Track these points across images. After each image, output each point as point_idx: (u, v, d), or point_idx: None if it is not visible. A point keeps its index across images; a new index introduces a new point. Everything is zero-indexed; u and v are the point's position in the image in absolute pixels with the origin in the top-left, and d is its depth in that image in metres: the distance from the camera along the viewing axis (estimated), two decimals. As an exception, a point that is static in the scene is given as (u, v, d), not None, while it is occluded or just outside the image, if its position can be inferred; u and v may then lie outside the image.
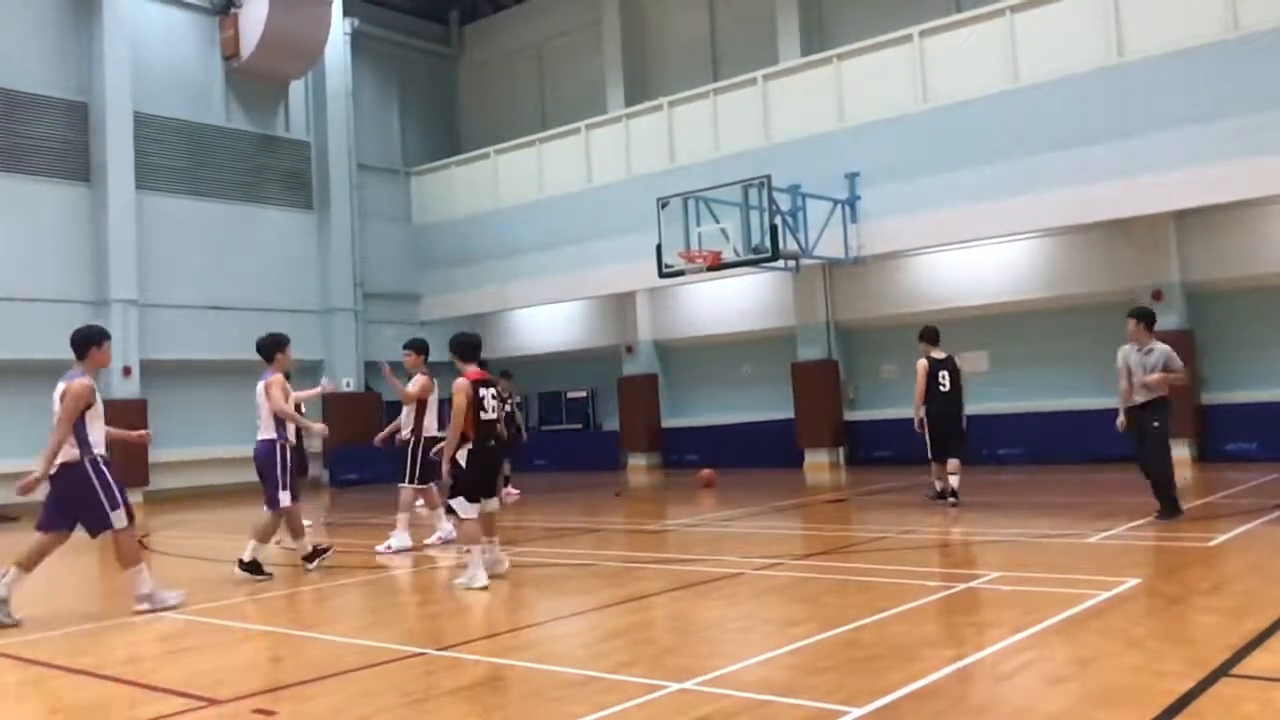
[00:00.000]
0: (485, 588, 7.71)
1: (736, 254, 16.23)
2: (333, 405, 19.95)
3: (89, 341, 7.60)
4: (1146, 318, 9.77)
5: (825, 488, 15.91)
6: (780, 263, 16.25)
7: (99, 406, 7.44)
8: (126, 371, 19.39)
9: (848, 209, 17.19)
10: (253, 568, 8.94)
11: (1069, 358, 17.02)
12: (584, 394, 23.82)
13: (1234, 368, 16.09)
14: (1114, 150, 14.79)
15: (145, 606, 7.53)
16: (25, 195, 19.07)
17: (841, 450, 19.59)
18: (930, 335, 12.25)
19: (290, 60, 22.02)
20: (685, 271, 16.71)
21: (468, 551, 7.95)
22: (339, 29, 23.25)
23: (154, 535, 13.59)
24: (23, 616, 7.34)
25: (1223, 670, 4.69)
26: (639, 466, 21.87)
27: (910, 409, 12.19)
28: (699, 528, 11.61)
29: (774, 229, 15.67)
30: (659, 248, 16.77)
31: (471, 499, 7.92)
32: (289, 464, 9.15)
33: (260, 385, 9.22)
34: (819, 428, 19.50)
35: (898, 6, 18.74)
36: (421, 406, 10.59)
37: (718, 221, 16.48)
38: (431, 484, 10.61)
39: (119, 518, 7.40)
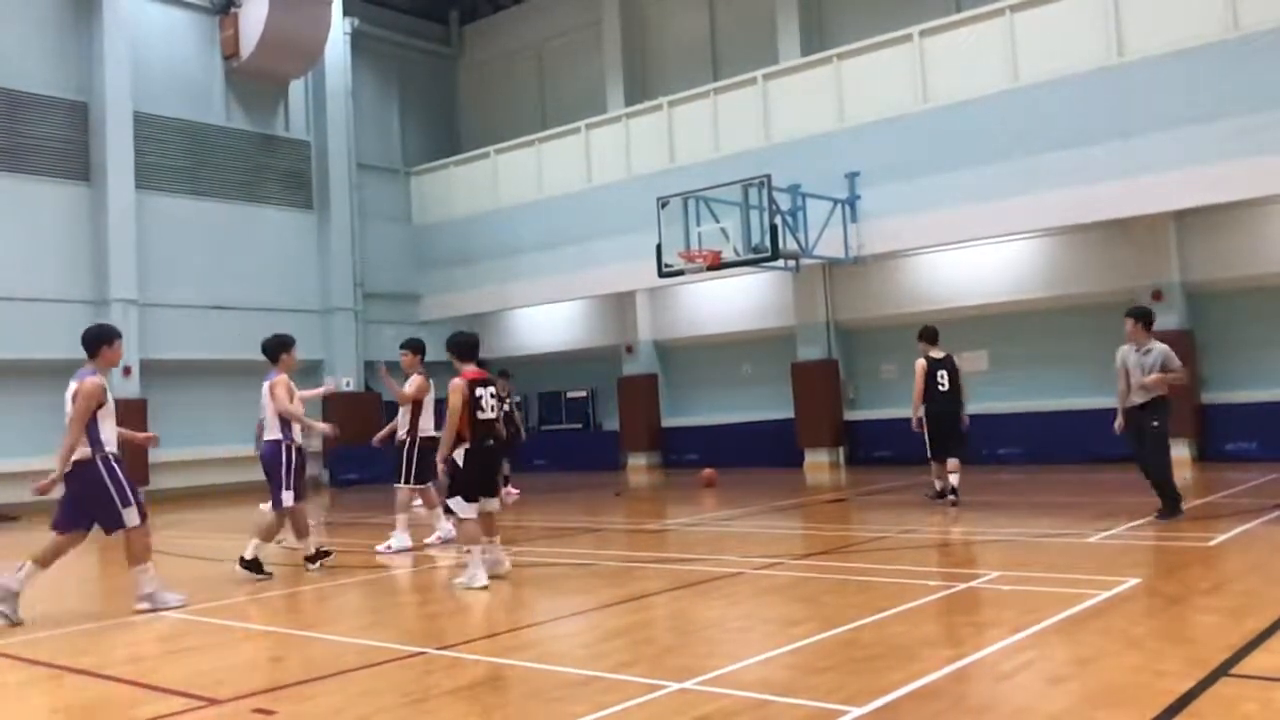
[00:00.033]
0: (485, 587, 7.71)
1: (736, 254, 16.23)
2: (332, 405, 19.94)
3: (100, 340, 7.63)
4: (1144, 317, 9.76)
5: (825, 487, 15.91)
6: (780, 262, 16.26)
7: (110, 405, 7.47)
8: (126, 371, 19.38)
9: (848, 209, 17.19)
10: (253, 566, 8.94)
11: (1069, 358, 17.02)
12: (584, 394, 23.82)
13: (1234, 368, 16.09)
14: (1114, 150, 14.79)
15: (146, 606, 7.54)
16: (25, 195, 19.07)
17: (841, 450, 19.60)
18: (929, 335, 12.25)
19: (290, 60, 22.02)
20: (685, 271, 16.72)
21: (467, 551, 7.94)
22: (339, 29, 23.26)
23: (154, 535, 13.56)
24: (25, 617, 7.35)
25: (1223, 670, 4.69)
26: (639, 466, 21.87)
27: (910, 409, 12.20)
28: (699, 527, 11.61)
29: (774, 229, 15.67)
30: (659, 247, 16.78)
31: (469, 499, 7.91)
32: (293, 465, 9.15)
33: (265, 386, 9.23)
34: (819, 427, 19.50)
35: (898, 6, 18.74)
36: (417, 407, 10.57)
37: (718, 221, 16.48)
38: (429, 484, 10.60)
39: (131, 515, 7.44)
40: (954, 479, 11.79)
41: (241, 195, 22.08)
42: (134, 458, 18.57)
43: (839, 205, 17.06)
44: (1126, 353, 9.73)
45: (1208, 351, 16.30)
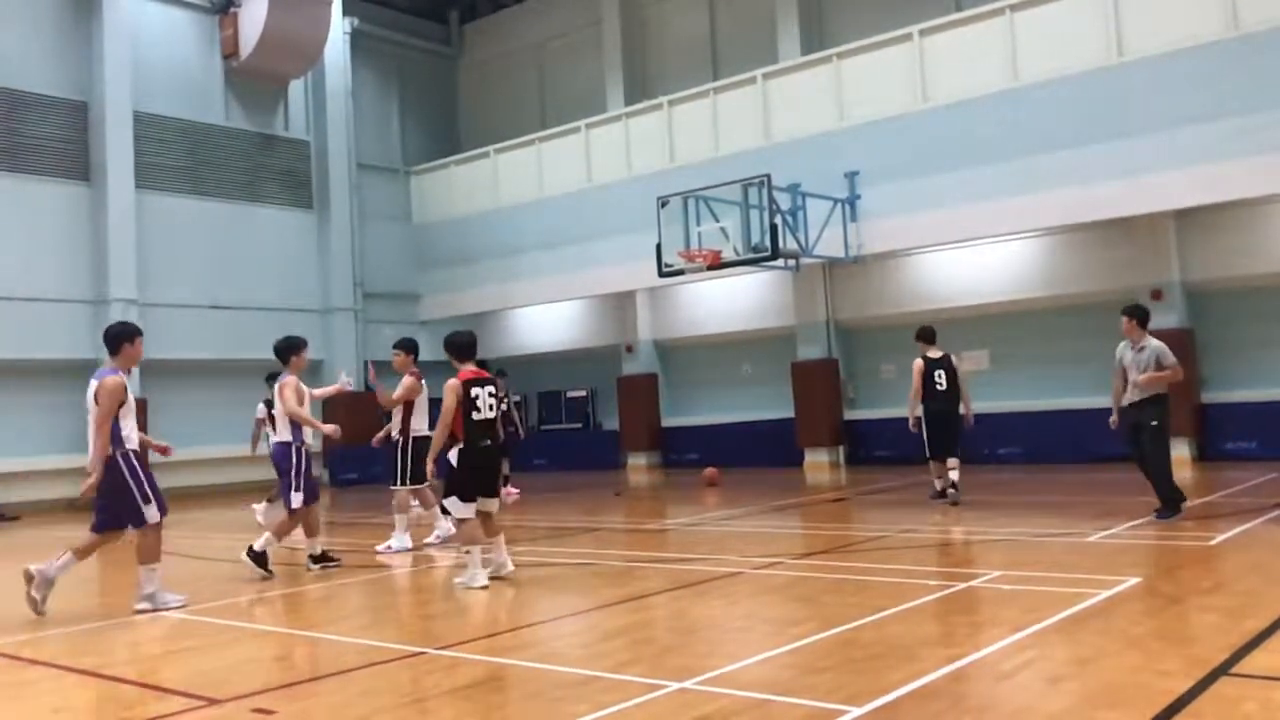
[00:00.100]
0: (485, 587, 7.71)
1: (736, 253, 16.23)
2: (333, 405, 19.93)
3: (121, 338, 7.70)
4: (1139, 315, 9.79)
5: (825, 487, 15.91)
6: (780, 262, 16.25)
7: (131, 402, 7.57)
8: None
9: (847, 208, 17.19)
10: (259, 560, 8.96)
11: (1068, 358, 17.02)
12: (584, 393, 23.83)
13: (1234, 367, 16.09)
14: (1114, 150, 14.78)
15: (146, 606, 7.54)
16: (25, 195, 19.08)
17: (841, 449, 19.60)
18: (927, 335, 12.27)
19: (290, 60, 22.02)
20: (685, 271, 16.71)
21: (467, 552, 7.94)
22: (339, 28, 23.26)
23: (154, 535, 13.57)
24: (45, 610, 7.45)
25: (1223, 670, 4.69)
26: (639, 466, 21.88)
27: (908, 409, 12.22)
28: (699, 527, 11.61)
29: (774, 228, 15.67)
30: (659, 247, 16.77)
31: (464, 498, 7.88)
32: (302, 466, 9.15)
33: (275, 387, 9.26)
34: (819, 427, 19.50)
35: (898, 6, 18.74)
36: (409, 407, 10.54)
37: (717, 221, 16.47)
38: (424, 484, 10.56)
39: (151, 512, 7.51)
40: (954, 475, 11.83)
41: (241, 195, 22.09)
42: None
43: (839, 205, 17.06)
44: (1124, 350, 9.77)
45: (1208, 351, 16.31)
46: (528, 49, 25.32)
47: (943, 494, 12.03)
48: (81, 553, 7.63)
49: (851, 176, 17.27)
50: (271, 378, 13.88)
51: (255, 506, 13.94)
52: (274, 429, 13.50)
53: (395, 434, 10.64)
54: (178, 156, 21.23)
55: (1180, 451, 14.99)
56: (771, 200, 15.74)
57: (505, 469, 14.17)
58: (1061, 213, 15.57)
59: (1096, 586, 6.60)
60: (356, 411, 21.43)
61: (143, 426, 18.93)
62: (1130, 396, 9.67)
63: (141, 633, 7.06)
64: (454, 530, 9.32)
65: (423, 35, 26.15)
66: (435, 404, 8.53)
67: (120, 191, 19.91)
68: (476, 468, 7.90)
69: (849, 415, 19.74)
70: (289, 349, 9.45)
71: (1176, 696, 4.32)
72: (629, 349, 22.57)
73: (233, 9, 21.76)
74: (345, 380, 10.56)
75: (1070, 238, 17.20)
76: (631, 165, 20.48)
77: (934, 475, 12.30)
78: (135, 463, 7.46)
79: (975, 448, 15.51)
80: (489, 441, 7.93)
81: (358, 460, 20.77)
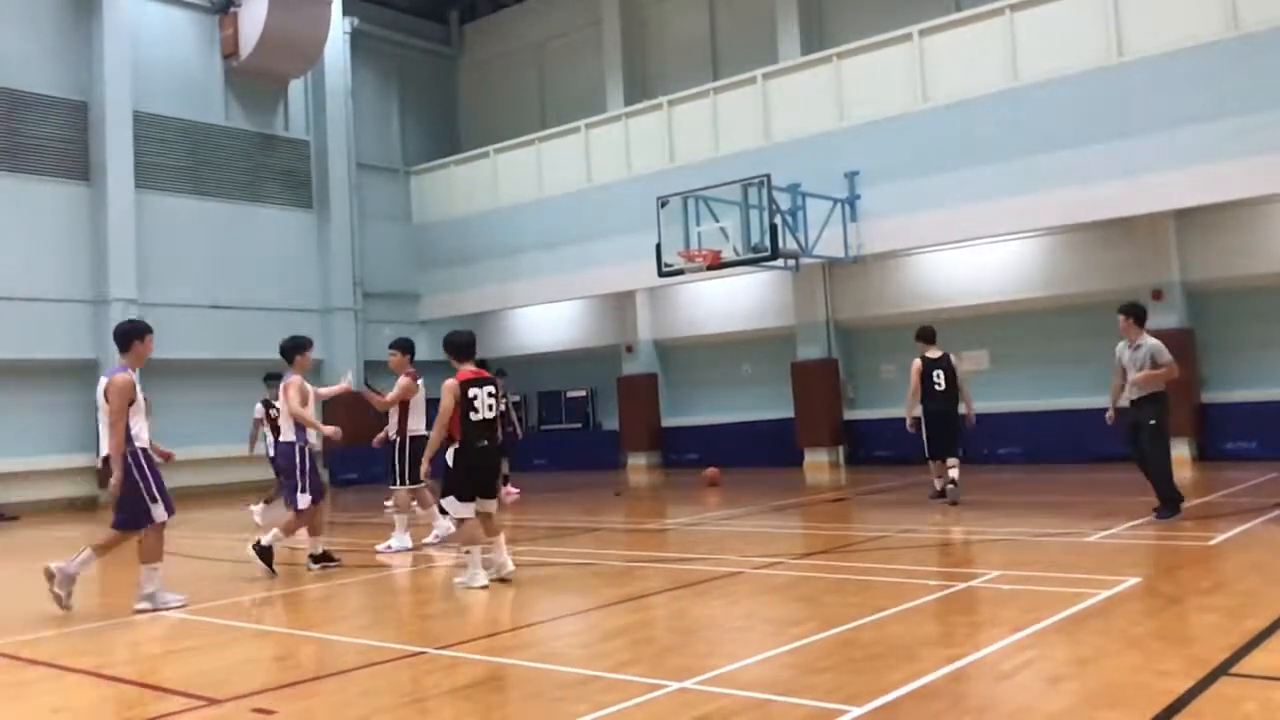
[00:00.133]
0: (485, 587, 7.71)
1: (736, 253, 16.23)
2: (333, 405, 19.92)
3: (131, 335, 7.72)
4: (1135, 313, 9.84)
5: (825, 487, 15.91)
6: (780, 262, 16.25)
7: (141, 400, 7.57)
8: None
9: (847, 208, 17.19)
10: (264, 554, 8.97)
11: (1068, 358, 17.01)
12: (584, 393, 23.82)
13: (1234, 367, 16.08)
14: (1114, 150, 14.78)
15: (146, 605, 7.54)
16: (25, 195, 19.07)
17: (841, 449, 19.59)
18: (926, 335, 12.28)
19: (290, 59, 22.01)
20: (685, 271, 16.71)
21: (466, 552, 7.93)
22: (338, 28, 23.25)
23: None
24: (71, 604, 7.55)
25: (1222, 670, 4.69)
26: (639, 466, 21.87)
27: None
28: (699, 527, 11.62)
29: (774, 228, 15.67)
30: (659, 247, 16.77)
31: (461, 498, 7.86)
32: (307, 466, 9.15)
33: (280, 386, 9.26)
34: (818, 427, 19.50)
35: (898, 6, 18.74)
36: (405, 407, 10.54)
37: (717, 221, 16.47)
38: (422, 484, 10.54)
39: (159, 511, 7.53)
40: (954, 473, 11.83)
41: (241, 195, 22.08)
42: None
43: (839, 205, 17.06)
44: (1122, 349, 9.84)
45: (1208, 351, 16.30)
46: (528, 49, 25.32)
47: (942, 494, 12.03)
48: (101, 549, 7.68)
49: (851, 176, 17.27)
50: (270, 378, 13.94)
51: (253, 508, 13.94)
52: (272, 429, 13.56)
53: (392, 434, 10.63)
54: (178, 156, 21.23)
55: (1180, 451, 14.98)
56: (771, 200, 15.74)
57: (505, 469, 14.17)
58: (1061, 213, 15.57)
59: (1096, 586, 6.60)
60: (357, 412, 21.31)
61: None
62: (1129, 395, 9.73)
63: (141, 633, 7.06)
64: (453, 529, 9.33)
65: (423, 35, 26.15)
66: (433, 404, 8.50)
67: (120, 191, 19.90)
68: (473, 468, 7.86)
69: (849, 415, 19.74)
70: (294, 348, 9.46)
71: (1176, 696, 4.32)
72: (629, 349, 22.57)
73: (233, 9, 21.76)
74: (348, 379, 10.56)
75: (1070, 238, 17.20)
76: (631, 165, 20.48)
77: (934, 475, 12.31)
78: (144, 461, 7.48)
79: (975, 448, 15.51)
80: (486, 442, 7.88)
81: (358, 460, 20.75)
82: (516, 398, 22.56)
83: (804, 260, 16.88)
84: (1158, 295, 16.18)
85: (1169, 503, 9.59)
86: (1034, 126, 15.48)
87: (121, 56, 20.15)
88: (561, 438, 23.71)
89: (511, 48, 25.63)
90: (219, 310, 21.05)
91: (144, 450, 7.54)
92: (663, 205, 16.96)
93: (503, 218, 22.48)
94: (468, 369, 7.99)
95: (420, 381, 10.69)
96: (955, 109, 16.35)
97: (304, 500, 9.09)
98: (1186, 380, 15.23)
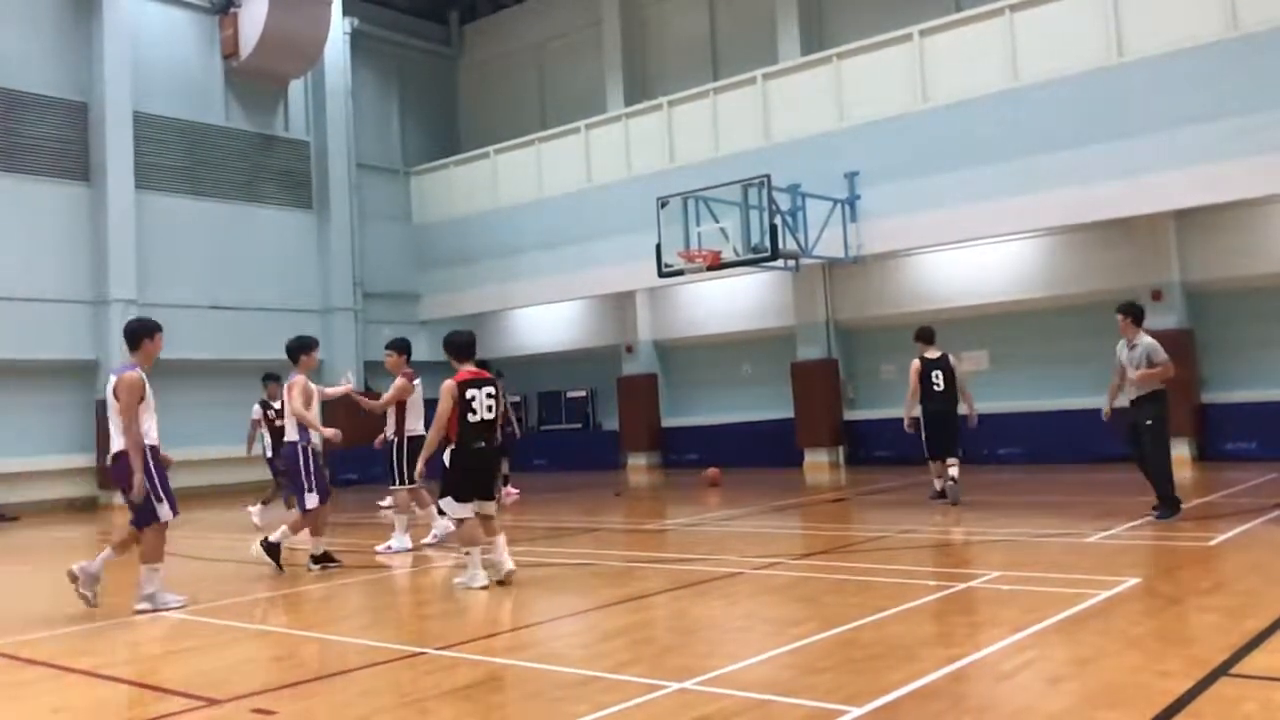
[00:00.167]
0: (485, 588, 7.70)
1: (736, 254, 16.23)
2: (333, 406, 19.88)
3: (141, 333, 7.74)
4: (1132, 312, 9.90)
5: (825, 487, 15.91)
6: (780, 262, 16.25)
7: (150, 399, 7.57)
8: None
9: (847, 208, 17.19)
10: (272, 551, 8.97)
11: (1068, 358, 17.01)
12: (584, 394, 23.82)
13: (1234, 368, 16.08)
14: (1114, 150, 14.78)
15: (146, 606, 7.54)
16: (25, 195, 19.07)
17: (841, 450, 19.59)
18: (925, 335, 12.29)
19: (290, 60, 22.01)
20: (685, 271, 16.71)
21: (466, 553, 7.93)
22: (338, 28, 23.25)
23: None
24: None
25: (1223, 670, 4.69)
26: (639, 466, 21.87)
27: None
28: (698, 527, 11.61)
29: (774, 229, 15.67)
30: (659, 247, 16.77)
31: (459, 499, 7.85)
32: (312, 466, 9.16)
33: (285, 385, 9.27)
34: (818, 427, 19.50)
35: (898, 6, 18.74)
36: (402, 408, 10.52)
37: (717, 221, 16.48)
38: (417, 483, 10.51)
39: (164, 510, 7.53)
40: (954, 471, 11.85)
41: (241, 195, 22.08)
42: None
43: (839, 205, 17.06)
44: (1122, 348, 9.90)
45: (1208, 351, 16.30)
46: (528, 49, 25.32)
47: (942, 494, 12.03)
48: (120, 547, 7.72)
49: (851, 177, 17.27)
50: (268, 378, 13.93)
51: (250, 510, 13.93)
52: (269, 430, 13.56)
53: (390, 434, 10.62)
54: (177, 157, 21.23)
55: (1180, 451, 14.99)
56: (771, 200, 15.74)
57: (505, 469, 14.17)
58: (1061, 213, 15.57)
59: (1096, 587, 6.60)
60: (356, 412, 21.46)
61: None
62: (1128, 395, 9.78)
63: (141, 633, 7.05)
64: (451, 529, 9.34)
65: (423, 35, 26.15)
66: (432, 404, 8.48)
67: (120, 192, 19.90)
68: (469, 470, 7.81)
69: (849, 415, 19.74)
70: (299, 348, 9.46)
71: (1176, 697, 4.32)
72: (629, 349, 22.57)
73: (233, 9, 21.76)
74: (348, 380, 10.55)
75: (1070, 238, 17.20)
76: (631, 165, 20.48)
77: (934, 475, 12.31)
78: (151, 460, 7.48)
79: (975, 448, 15.50)
80: (483, 443, 7.82)
81: (358, 460, 20.74)
82: (516, 398, 22.57)
83: (804, 260, 16.88)
84: (1157, 295, 16.18)
85: (1168, 503, 9.60)
86: (1034, 126, 15.49)
87: (121, 56, 20.15)
88: (561, 438, 23.71)
89: (511, 48, 25.63)
90: (219, 310, 21.04)
91: (153, 448, 7.55)
92: (663, 205, 16.96)
93: (503, 218, 22.48)
94: (468, 369, 7.96)
95: (418, 381, 10.68)
96: (955, 109, 16.35)
97: (312, 500, 9.10)
98: (1186, 380, 15.25)
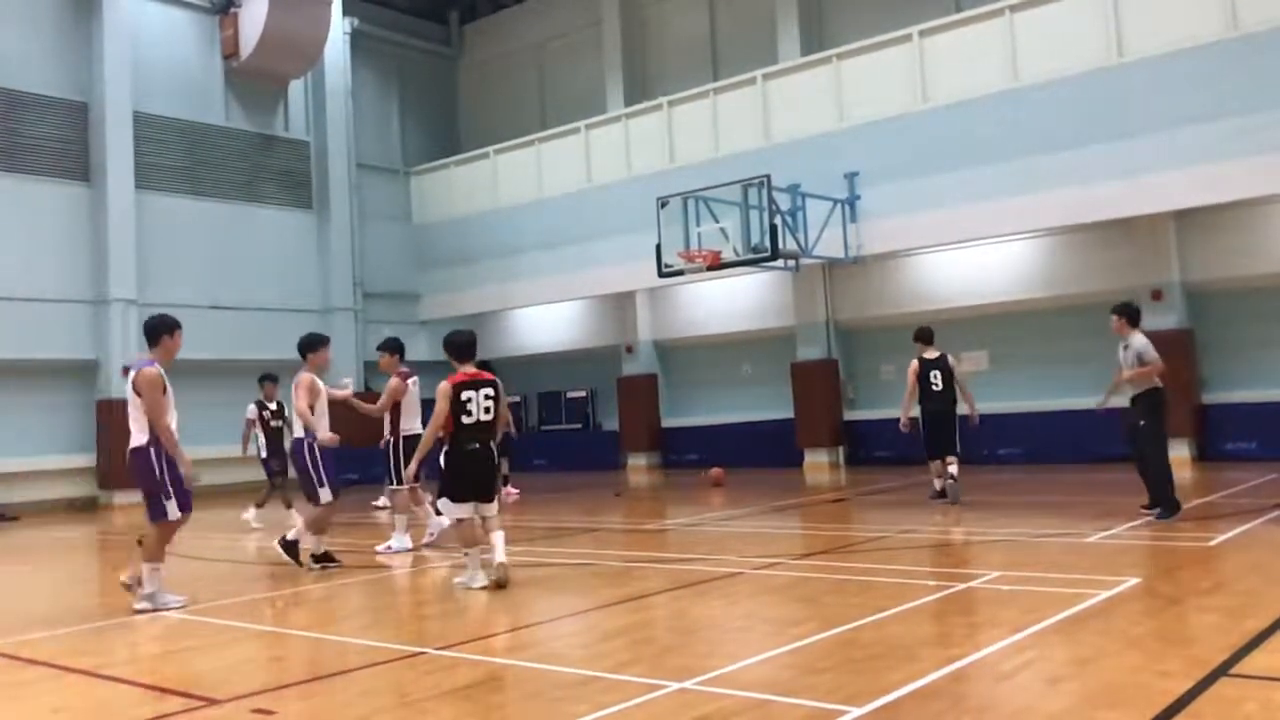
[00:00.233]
0: (484, 588, 7.69)
1: (736, 254, 16.24)
2: (331, 407, 19.94)
3: (160, 330, 7.72)
4: (1126, 313, 10.00)
5: (825, 487, 15.91)
6: (780, 262, 16.26)
7: (170, 395, 7.55)
8: (125, 371, 19.28)
9: (847, 209, 17.19)
10: (290, 549, 9.00)
11: (1068, 358, 17.02)
12: (584, 394, 23.82)
13: (1234, 368, 16.09)
14: (1114, 150, 14.79)
15: (146, 605, 7.53)
16: (25, 195, 19.08)
17: (841, 450, 19.60)
18: (924, 335, 12.31)
19: (290, 60, 22.01)
20: (685, 271, 16.72)
21: (466, 553, 7.92)
22: (338, 28, 23.25)
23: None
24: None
25: (1223, 670, 4.69)
26: (639, 466, 21.88)
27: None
28: (698, 527, 11.61)
29: (774, 229, 15.67)
30: (659, 247, 16.78)
31: (454, 499, 7.82)
32: (319, 461, 9.16)
33: (292, 383, 9.28)
34: (818, 427, 19.50)
35: (898, 6, 18.74)
36: (397, 407, 10.52)
37: (717, 221, 16.48)
38: (415, 483, 10.48)
39: (172, 509, 7.51)
40: (953, 469, 11.87)
41: (241, 195, 22.08)
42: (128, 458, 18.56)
43: (838, 205, 17.07)
44: (1121, 348, 9.96)
45: (1208, 351, 16.30)
46: (528, 49, 25.32)
47: (943, 494, 12.04)
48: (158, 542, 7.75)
49: (851, 177, 17.27)
50: (264, 379, 13.93)
51: (245, 515, 13.92)
52: (264, 430, 13.56)
53: (387, 434, 10.61)
54: (177, 157, 21.23)
55: (1180, 452, 15.01)
56: (771, 201, 15.75)
57: (505, 469, 14.16)
58: (1061, 213, 15.57)
59: (1096, 587, 6.60)
60: (355, 412, 21.44)
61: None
62: (1125, 392, 9.85)
63: (141, 633, 7.05)
64: (444, 525, 9.35)
65: (423, 35, 26.15)
66: (429, 404, 8.45)
67: (120, 192, 19.90)
68: (464, 471, 7.75)
69: (849, 416, 19.74)
70: (307, 346, 9.49)
71: (1176, 697, 4.32)
72: (629, 349, 22.57)
73: (233, 9, 21.76)
74: (346, 384, 10.54)
75: (1070, 238, 17.20)
76: (631, 165, 20.49)
77: (933, 475, 12.32)
78: (166, 458, 7.49)
79: (975, 448, 15.50)
80: (477, 445, 7.74)
81: (358, 460, 20.73)
82: (516, 398, 22.58)
83: (804, 261, 16.88)
84: (1157, 295, 16.18)
85: (1167, 503, 9.60)
86: (1034, 127, 15.49)
87: (121, 56, 20.16)
88: (561, 438, 23.71)
89: (511, 48, 25.63)
90: (219, 310, 21.03)
91: None
92: (663, 206, 16.97)
93: (503, 218, 22.49)
94: (467, 370, 7.93)
95: (413, 380, 10.65)
96: (955, 109, 16.36)
97: (325, 494, 9.13)
98: (1186, 381, 15.27)
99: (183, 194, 21.17)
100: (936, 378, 12.03)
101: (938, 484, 12.21)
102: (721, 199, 16.53)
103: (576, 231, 20.86)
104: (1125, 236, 16.60)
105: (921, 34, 16.92)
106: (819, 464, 19.33)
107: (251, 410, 13.80)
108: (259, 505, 13.81)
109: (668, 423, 22.21)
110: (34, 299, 18.87)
